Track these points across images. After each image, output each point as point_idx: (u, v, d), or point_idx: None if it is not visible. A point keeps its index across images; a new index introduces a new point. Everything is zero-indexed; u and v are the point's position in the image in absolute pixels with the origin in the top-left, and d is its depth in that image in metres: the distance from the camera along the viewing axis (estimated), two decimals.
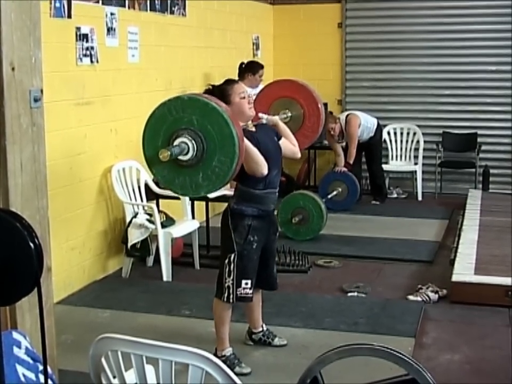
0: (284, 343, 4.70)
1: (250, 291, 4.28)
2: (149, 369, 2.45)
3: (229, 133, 3.54)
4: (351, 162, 8.70)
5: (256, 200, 4.24)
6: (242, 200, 4.25)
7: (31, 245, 1.87)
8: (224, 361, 4.21)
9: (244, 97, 4.20)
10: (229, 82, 4.30)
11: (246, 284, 4.24)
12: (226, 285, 4.23)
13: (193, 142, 3.54)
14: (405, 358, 2.44)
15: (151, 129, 3.71)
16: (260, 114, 4.47)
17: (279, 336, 4.73)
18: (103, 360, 2.45)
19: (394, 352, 2.44)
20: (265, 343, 4.69)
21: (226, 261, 4.23)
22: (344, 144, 8.92)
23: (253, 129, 4.28)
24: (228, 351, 4.41)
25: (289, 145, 4.49)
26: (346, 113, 8.92)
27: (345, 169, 8.65)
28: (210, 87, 4.26)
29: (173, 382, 2.35)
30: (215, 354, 4.35)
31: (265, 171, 4.08)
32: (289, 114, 5.00)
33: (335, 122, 8.71)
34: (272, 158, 4.20)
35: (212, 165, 3.56)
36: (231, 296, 4.24)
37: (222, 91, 4.17)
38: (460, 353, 4.60)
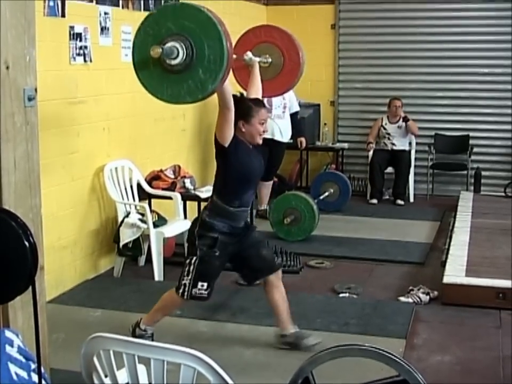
0: (317, 341, 4.49)
1: (206, 292, 4.34)
2: (141, 369, 2.45)
3: (205, 17, 3.58)
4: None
5: (229, 216, 4.34)
6: (215, 214, 4.34)
7: (26, 243, 1.87)
8: (141, 336, 4.44)
9: (262, 124, 4.30)
10: (258, 104, 4.37)
11: (202, 285, 4.33)
12: (183, 282, 4.35)
13: (179, 42, 3.54)
14: (396, 359, 2.45)
15: (139, 59, 3.71)
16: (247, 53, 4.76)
17: (312, 336, 4.58)
18: (95, 359, 2.45)
19: (385, 353, 2.45)
20: (297, 348, 4.50)
21: (187, 261, 4.35)
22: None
23: (250, 146, 4.36)
24: (151, 330, 4.54)
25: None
26: None
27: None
28: (239, 94, 4.37)
29: (165, 382, 2.35)
30: (137, 324, 4.56)
31: (232, 109, 4.08)
32: (269, 60, 5.03)
33: (402, 106, 9.25)
34: (253, 180, 4.42)
35: (205, 54, 3.56)
36: (186, 293, 4.34)
37: (247, 107, 4.27)
38: (451, 354, 4.61)
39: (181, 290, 4.35)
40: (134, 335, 4.49)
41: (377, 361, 2.48)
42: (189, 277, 4.31)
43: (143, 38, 3.66)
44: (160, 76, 3.65)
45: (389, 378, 2.48)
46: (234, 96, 4.23)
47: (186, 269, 4.33)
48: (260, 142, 4.36)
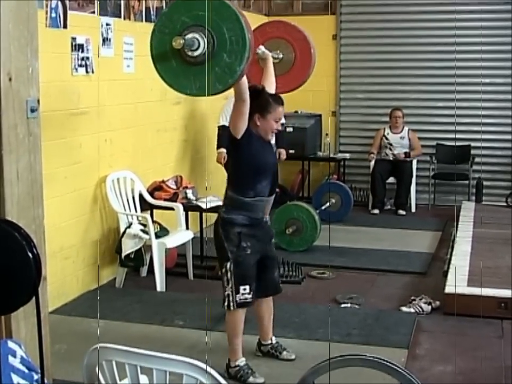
0: (292, 358, 4.63)
1: (249, 296, 4.29)
2: (143, 379, 2.45)
3: (216, 2, 3.51)
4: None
5: (245, 207, 4.27)
6: (232, 208, 4.28)
7: (30, 254, 1.88)
8: (237, 372, 4.32)
9: (277, 122, 4.27)
10: (277, 101, 4.31)
11: (244, 289, 4.26)
12: (226, 293, 4.27)
13: (198, 33, 3.50)
14: (398, 369, 2.45)
15: (159, 58, 3.65)
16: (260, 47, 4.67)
17: (287, 350, 4.68)
18: (97, 369, 2.45)
19: (388, 363, 2.46)
20: (273, 356, 4.64)
21: (223, 270, 4.27)
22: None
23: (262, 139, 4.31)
24: (241, 361, 4.40)
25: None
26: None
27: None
28: (261, 87, 4.31)
29: None
30: (228, 365, 4.39)
31: (247, 101, 4.04)
32: (281, 55, 5.01)
33: (403, 117, 9.37)
34: (267, 171, 4.30)
35: (226, 38, 3.52)
36: (231, 303, 4.27)
37: (266, 102, 4.23)
38: (453, 364, 4.60)
39: (226, 303, 4.28)
40: (235, 378, 4.33)
41: (380, 371, 2.48)
42: (230, 285, 4.24)
43: (159, 39, 3.61)
44: (185, 71, 3.59)
45: None
46: (255, 87, 4.21)
47: (225, 278, 4.26)
48: (271, 139, 4.32)
